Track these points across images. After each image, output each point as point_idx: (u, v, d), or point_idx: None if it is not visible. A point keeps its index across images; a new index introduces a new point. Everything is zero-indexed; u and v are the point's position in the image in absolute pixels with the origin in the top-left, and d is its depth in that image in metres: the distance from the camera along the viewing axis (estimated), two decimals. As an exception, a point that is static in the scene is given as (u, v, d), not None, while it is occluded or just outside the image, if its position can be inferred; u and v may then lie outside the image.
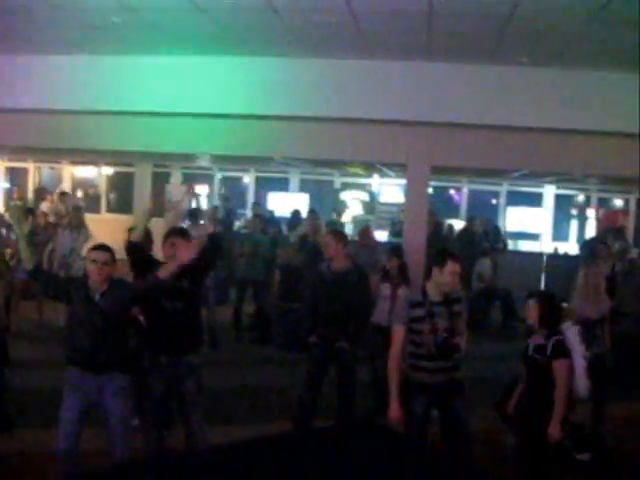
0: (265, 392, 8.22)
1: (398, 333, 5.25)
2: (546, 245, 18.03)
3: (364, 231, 11.17)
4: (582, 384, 5.37)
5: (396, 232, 15.41)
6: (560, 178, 15.86)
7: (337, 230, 7.82)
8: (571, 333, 5.40)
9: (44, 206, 15.69)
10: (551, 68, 7.89)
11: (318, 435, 3.10)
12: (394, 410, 5.16)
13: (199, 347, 5.71)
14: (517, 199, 19.22)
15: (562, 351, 5.23)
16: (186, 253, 5.13)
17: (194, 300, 5.66)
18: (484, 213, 17.95)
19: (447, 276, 5.19)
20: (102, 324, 4.99)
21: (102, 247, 5.17)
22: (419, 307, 5.23)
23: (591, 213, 18.90)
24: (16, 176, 20.27)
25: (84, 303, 5.01)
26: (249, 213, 16.70)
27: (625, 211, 19.05)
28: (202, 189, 19.74)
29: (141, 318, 6.10)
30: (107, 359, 5.03)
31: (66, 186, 19.73)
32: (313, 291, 6.92)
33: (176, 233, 5.65)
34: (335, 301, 6.56)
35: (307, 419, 6.57)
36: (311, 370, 6.71)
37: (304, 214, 14.93)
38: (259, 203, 17.18)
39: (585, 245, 14.36)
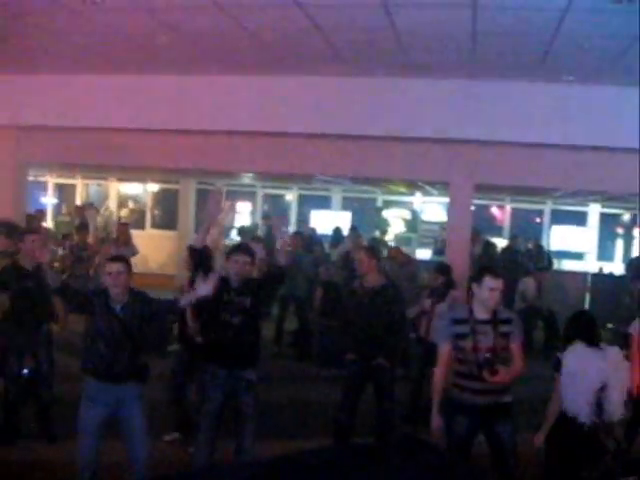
0: (306, 408, 8.26)
1: (443, 350, 5.26)
2: (591, 264, 17.78)
3: (393, 251, 11.31)
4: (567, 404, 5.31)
5: (439, 250, 15.36)
6: (605, 197, 15.67)
7: (369, 246, 7.85)
8: (573, 353, 5.33)
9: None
10: (597, 86, 7.84)
11: (359, 450, 3.09)
12: (436, 421, 5.16)
13: (257, 363, 5.80)
14: (561, 217, 19.00)
15: (556, 367, 5.36)
16: (206, 287, 5.25)
17: (255, 316, 5.77)
18: (528, 232, 17.83)
19: (485, 291, 5.14)
20: (122, 335, 5.12)
21: (115, 258, 5.41)
22: (464, 324, 5.19)
23: (637, 232, 18.58)
24: (64, 192, 20.69)
25: (105, 314, 5.14)
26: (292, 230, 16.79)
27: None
28: (245, 206, 19.96)
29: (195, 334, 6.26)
30: (125, 369, 5.15)
31: (112, 202, 20.08)
32: (347, 308, 6.94)
33: (242, 250, 5.82)
34: (369, 317, 6.57)
35: (345, 437, 6.57)
36: (347, 388, 6.71)
37: (346, 232, 14.99)
38: (304, 221, 17.26)
39: (631, 264, 14.17)
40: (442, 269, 8.18)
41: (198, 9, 6.08)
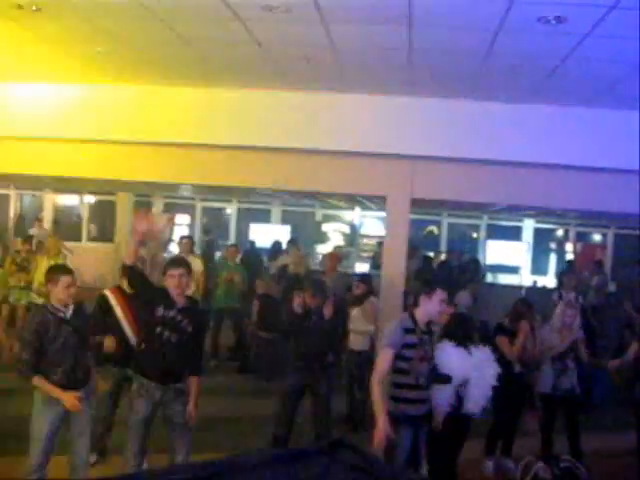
0: (244, 421, 8.21)
1: (388, 354, 5.14)
2: (525, 278, 18.17)
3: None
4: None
5: (377, 264, 15.47)
6: (539, 212, 16.03)
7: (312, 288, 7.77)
8: (439, 350, 5.65)
9: (33, 233, 15.77)
10: (529, 105, 8.07)
11: (283, 454, 3.09)
12: (384, 424, 4.90)
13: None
14: (497, 232, 19.37)
15: None
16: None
17: (196, 337, 5.62)
18: (464, 246, 18.16)
19: (436, 304, 5.28)
20: (77, 341, 5.24)
21: (66, 270, 5.44)
22: (411, 333, 5.22)
23: (569, 247, 19.07)
24: (-3, 203, 20.21)
25: (56, 323, 5.19)
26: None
27: (603, 246, 19.25)
28: (183, 219, 19.79)
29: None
30: (82, 375, 5.29)
31: (47, 214, 19.69)
32: (293, 323, 6.93)
33: (177, 263, 5.68)
34: (317, 333, 6.65)
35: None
36: (285, 400, 6.74)
37: (285, 245, 15.00)
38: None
39: (561, 276, 14.67)
40: (364, 279, 8.73)
41: (135, 18, 6.05)
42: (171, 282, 5.48)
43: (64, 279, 5.24)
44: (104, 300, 6.51)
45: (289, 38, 6.37)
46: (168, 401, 5.47)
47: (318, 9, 5.47)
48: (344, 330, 7.16)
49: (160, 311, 5.41)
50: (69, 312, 5.26)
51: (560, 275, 15.45)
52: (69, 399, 5.14)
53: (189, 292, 5.84)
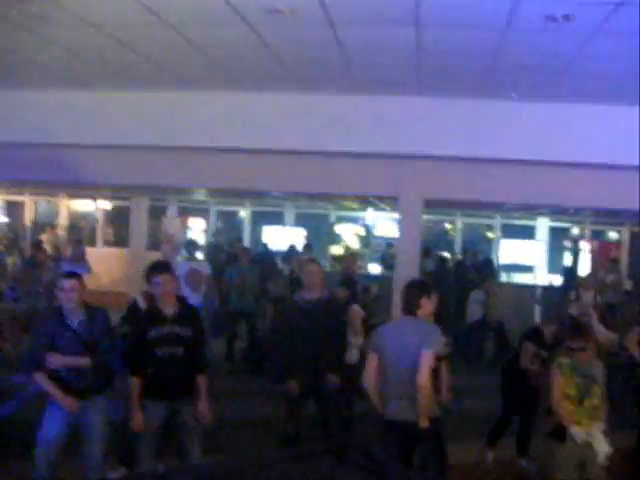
0: (258, 423, 8.21)
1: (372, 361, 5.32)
2: (540, 277, 18.11)
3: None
4: None
5: (389, 265, 15.49)
6: (553, 211, 15.97)
7: (312, 258, 7.78)
8: None
9: (44, 238, 15.93)
10: (540, 103, 8.03)
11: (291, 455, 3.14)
12: None
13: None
14: (511, 232, 19.30)
15: None
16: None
17: (198, 348, 5.50)
18: (479, 246, 18.13)
19: (433, 305, 5.38)
20: (80, 350, 5.16)
21: (69, 274, 5.44)
22: None
23: (585, 246, 18.97)
24: (13, 209, 20.32)
25: (61, 330, 5.18)
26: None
27: (619, 243, 19.13)
28: (198, 223, 19.87)
29: None
30: (90, 383, 5.23)
31: (62, 219, 19.83)
32: (288, 322, 6.73)
33: (160, 270, 5.47)
34: (310, 332, 6.42)
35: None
36: (290, 402, 6.66)
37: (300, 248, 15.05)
38: (239, 239, 16.92)
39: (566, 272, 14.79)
40: (346, 283, 8.55)
41: (148, 25, 6.09)
42: (157, 290, 5.40)
43: (64, 282, 5.23)
44: (135, 305, 6.52)
45: (297, 40, 6.39)
46: (179, 410, 5.45)
47: (325, 11, 5.48)
48: (343, 331, 6.90)
49: (154, 332, 5.31)
50: (76, 320, 5.22)
51: (566, 270, 15.57)
52: (66, 402, 5.19)
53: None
